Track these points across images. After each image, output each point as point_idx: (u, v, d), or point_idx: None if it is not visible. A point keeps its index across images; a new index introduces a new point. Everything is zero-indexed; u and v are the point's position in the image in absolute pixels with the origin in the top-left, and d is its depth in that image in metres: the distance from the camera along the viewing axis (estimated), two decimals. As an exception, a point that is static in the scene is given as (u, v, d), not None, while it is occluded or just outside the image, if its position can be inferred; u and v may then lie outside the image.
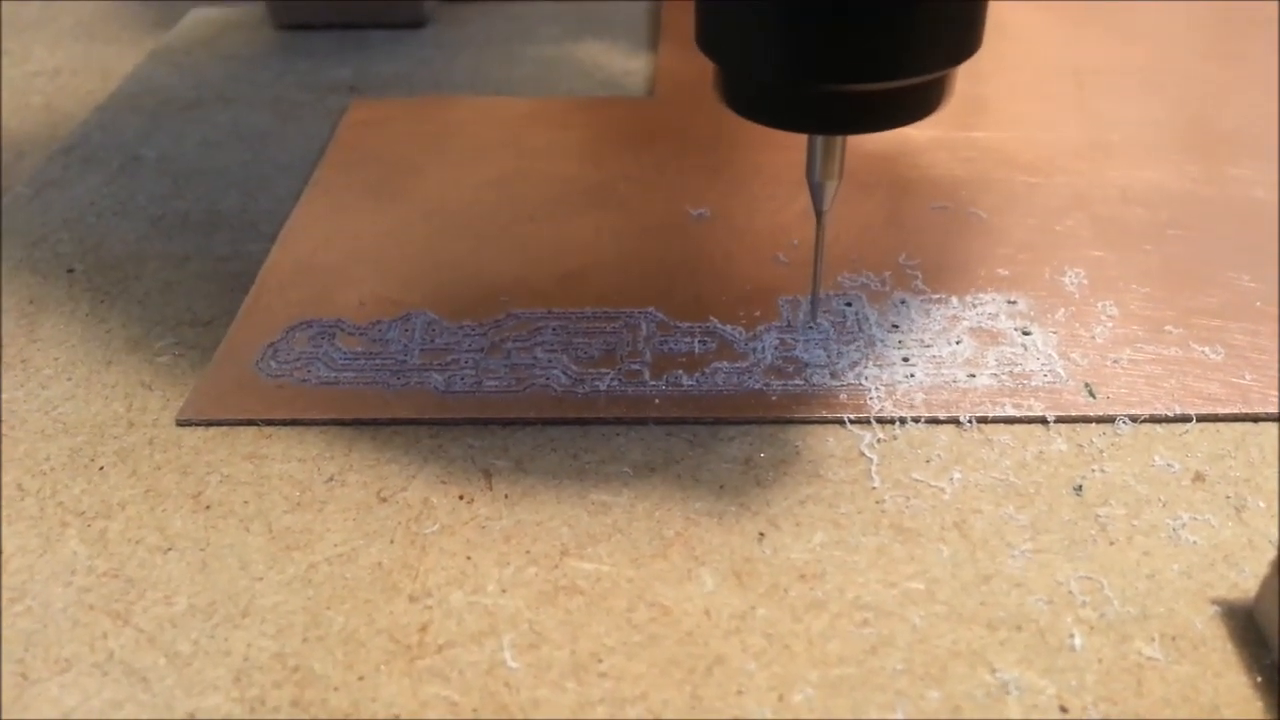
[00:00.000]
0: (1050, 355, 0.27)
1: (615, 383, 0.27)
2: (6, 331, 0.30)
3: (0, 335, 0.30)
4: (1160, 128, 0.38)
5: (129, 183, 0.37)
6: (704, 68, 0.24)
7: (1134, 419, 0.26)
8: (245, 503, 0.24)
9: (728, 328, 0.29)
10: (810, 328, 0.28)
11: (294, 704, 0.20)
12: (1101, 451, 0.25)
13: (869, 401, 0.26)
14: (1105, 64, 0.42)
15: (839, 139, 0.25)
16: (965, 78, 0.41)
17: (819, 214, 0.27)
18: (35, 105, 0.47)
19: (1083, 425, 0.26)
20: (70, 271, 0.32)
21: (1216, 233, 0.32)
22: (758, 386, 0.27)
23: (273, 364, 0.28)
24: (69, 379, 0.28)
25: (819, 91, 0.23)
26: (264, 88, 0.43)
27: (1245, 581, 0.22)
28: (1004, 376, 0.27)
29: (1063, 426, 0.26)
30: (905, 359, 0.27)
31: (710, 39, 0.23)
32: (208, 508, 0.24)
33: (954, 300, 0.29)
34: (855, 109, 0.23)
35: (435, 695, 0.20)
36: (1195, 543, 0.23)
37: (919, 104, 0.23)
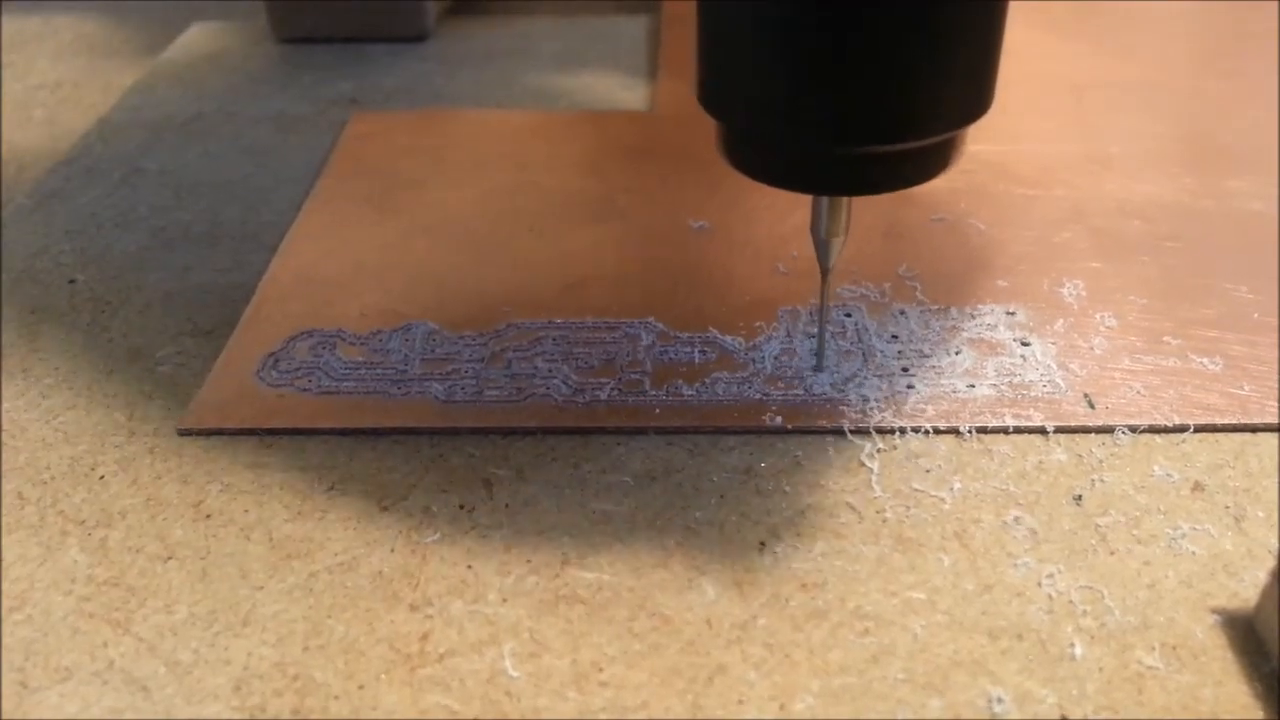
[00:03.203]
0: (1049, 366, 0.27)
1: (615, 392, 0.27)
2: (8, 341, 0.30)
3: (1, 345, 0.30)
4: (1158, 141, 0.38)
5: (130, 194, 0.37)
6: None
7: (1133, 429, 0.26)
8: (246, 511, 0.24)
9: (728, 338, 0.29)
10: (819, 371, 0.28)
11: (294, 713, 0.20)
12: (1101, 461, 0.25)
13: (869, 412, 0.26)
14: (1104, 79, 0.43)
15: (846, 199, 0.25)
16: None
17: (824, 271, 0.26)
18: (37, 119, 0.47)
19: (1082, 435, 0.26)
20: (72, 282, 0.32)
21: (1214, 245, 0.32)
22: (758, 396, 0.27)
23: (274, 374, 0.28)
24: (70, 388, 0.28)
25: (828, 154, 0.22)
26: (265, 101, 0.43)
27: (1245, 591, 0.22)
28: (1003, 387, 0.27)
29: (1062, 436, 0.26)
30: (905, 369, 0.27)
31: (713, 97, 0.23)
32: (208, 517, 0.24)
33: (953, 311, 0.29)
34: (865, 170, 0.23)
35: (436, 704, 0.20)
36: (1195, 552, 0.23)
37: (930, 164, 0.23)
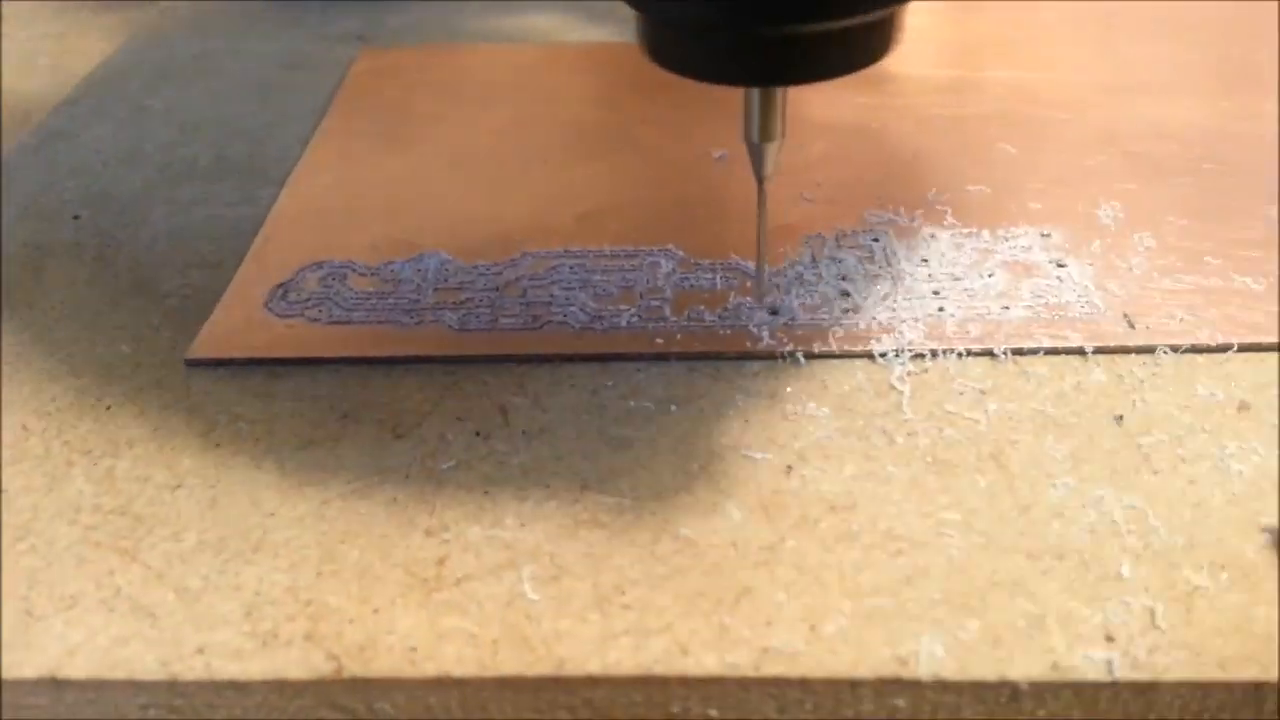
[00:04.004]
0: (1087, 286, 0.26)
1: (635, 319, 0.26)
2: (11, 276, 0.29)
3: (2, 281, 0.29)
4: (1191, 67, 0.37)
5: (136, 132, 0.36)
6: None
7: (1175, 349, 0.25)
8: (256, 440, 0.24)
9: (751, 264, 0.28)
10: (760, 303, 0.26)
11: (307, 637, 0.19)
12: (1142, 382, 0.24)
13: (899, 334, 0.25)
14: (1134, 5, 0.41)
15: (779, 93, 0.23)
16: (991, 20, 0.40)
17: (760, 180, 0.24)
18: (42, 66, 0.46)
19: (1122, 356, 0.25)
20: (76, 218, 0.32)
21: (1252, 166, 0.31)
22: (783, 321, 0.26)
23: (283, 304, 0.27)
24: (75, 321, 0.27)
25: (755, 37, 0.20)
26: (272, 39, 0.42)
27: (1297, 509, 0.21)
28: (1039, 308, 0.26)
29: (1101, 357, 0.25)
30: (935, 292, 0.26)
31: None
32: (217, 445, 0.24)
33: (985, 234, 0.28)
34: (795, 56, 0.20)
35: (454, 627, 0.19)
36: (1242, 471, 0.22)
37: (866, 48, 0.21)
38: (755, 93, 0.23)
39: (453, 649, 0.19)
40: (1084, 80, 0.36)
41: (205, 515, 0.22)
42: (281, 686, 0.19)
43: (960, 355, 0.25)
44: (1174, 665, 0.18)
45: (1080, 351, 0.25)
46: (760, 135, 0.23)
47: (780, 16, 0.20)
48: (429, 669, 0.19)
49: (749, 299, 0.26)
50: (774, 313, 0.26)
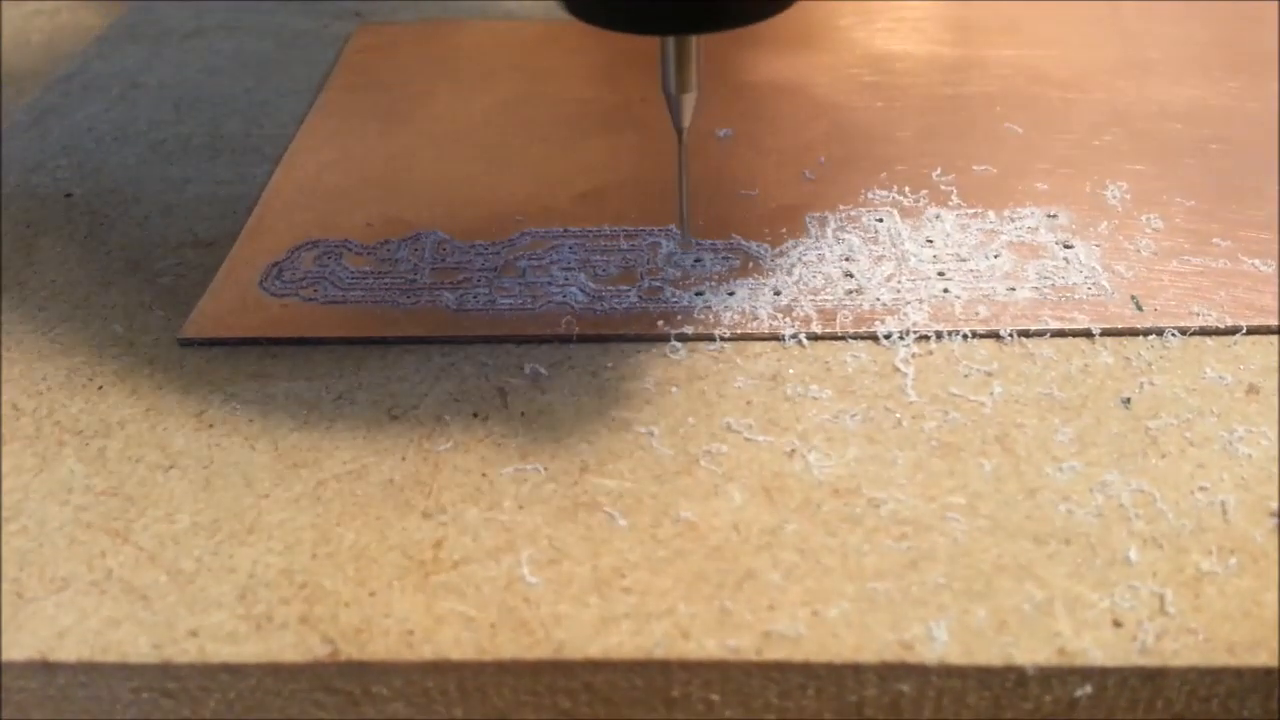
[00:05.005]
0: (1094, 268, 0.26)
1: (636, 299, 0.26)
2: (3, 254, 0.29)
3: (-5, 258, 0.28)
4: (1199, 46, 0.36)
5: (129, 109, 0.35)
6: None
7: (1183, 331, 0.24)
8: (250, 421, 0.23)
9: (753, 244, 0.27)
10: (680, 256, 0.26)
11: (302, 620, 0.19)
12: (1150, 364, 0.24)
13: (903, 316, 0.25)
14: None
15: (692, 42, 0.23)
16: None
17: (678, 130, 0.24)
18: (35, 43, 0.46)
19: (1129, 338, 0.24)
20: (68, 196, 0.31)
21: (1261, 147, 0.31)
22: (785, 303, 0.25)
23: (277, 283, 0.27)
24: (67, 300, 0.27)
25: None
26: (267, 15, 0.41)
27: (1307, 493, 0.21)
28: (1045, 290, 0.25)
29: (1108, 339, 0.24)
30: (940, 273, 0.26)
31: None
32: (211, 426, 0.23)
33: (991, 215, 0.28)
34: (706, 4, 0.21)
35: (451, 610, 0.19)
36: (1251, 455, 0.22)
37: None
38: (670, 42, 0.23)
39: (450, 632, 0.19)
40: (1091, 60, 0.35)
41: (198, 496, 0.22)
42: (276, 670, 0.19)
43: (965, 337, 0.24)
44: (1182, 651, 0.18)
45: (1087, 333, 0.24)
46: (677, 87, 0.23)
47: None
48: (426, 652, 0.19)
49: (751, 279, 0.26)
50: (777, 293, 0.26)
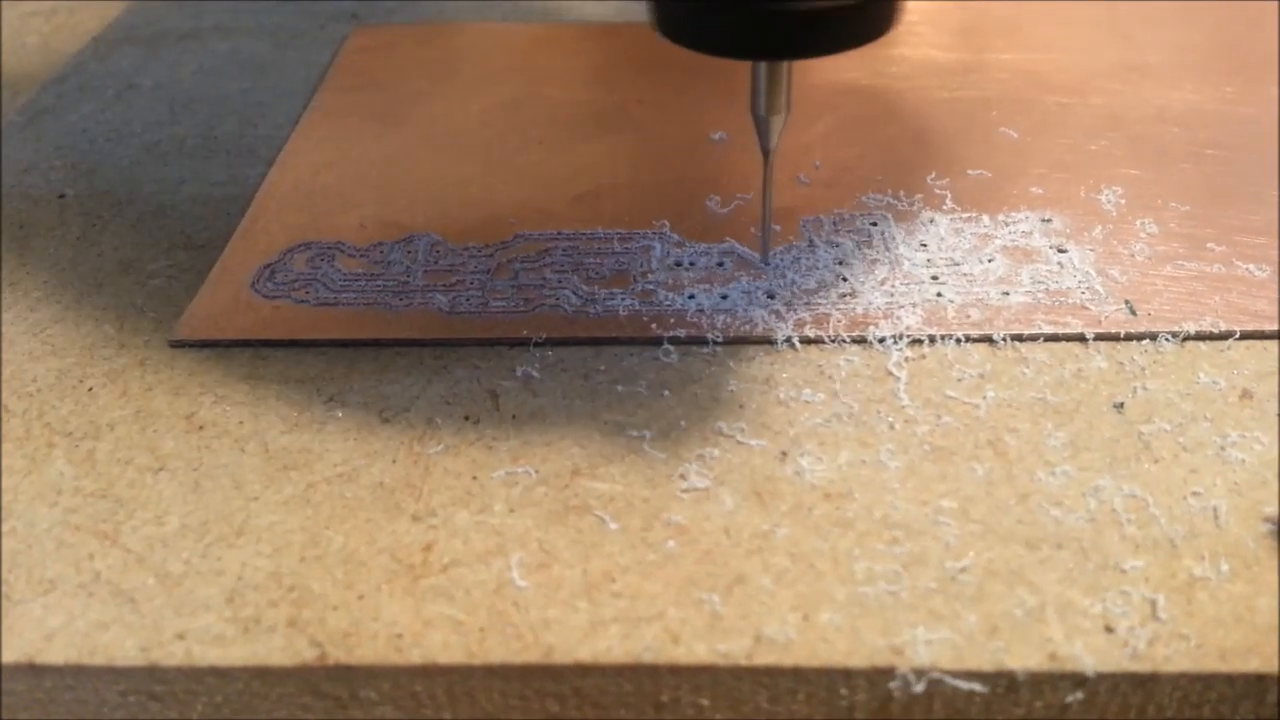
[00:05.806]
0: (1088, 272, 0.26)
1: (629, 302, 0.26)
2: (-6, 255, 0.29)
3: (-12, 259, 0.28)
4: (1196, 51, 0.36)
5: (124, 110, 0.35)
6: None
7: (1177, 336, 0.24)
8: (240, 423, 0.23)
9: (746, 248, 0.27)
10: (765, 264, 0.26)
11: (291, 623, 0.19)
12: (1143, 369, 0.24)
13: (896, 319, 0.25)
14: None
15: (785, 67, 0.23)
16: (995, 3, 0.40)
17: (765, 152, 0.25)
18: (31, 45, 0.45)
19: (1123, 343, 0.24)
20: (61, 197, 0.31)
21: (1257, 152, 0.30)
22: (778, 306, 0.25)
23: (269, 285, 0.27)
24: (58, 301, 0.27)
25: (764, 11, 0.21)
26: (263, 16, 0.41)
27: (1300, 499, 0.21)
28: (1039, 294, 0.25)
29: (1102, 344, 0.24)
30: (934, 277, 0.26)
31: None
32: (201, 428, 0.23)
33: (985, 219, 0.28)
34: (802, 30, 0.21)
35: (440, 614, 0.19)
36: (1244, 460, 0.22)
37: (871, 23, 0.21)
38: (763, 66, 0.23)
39: (439, 636, 0.19)
40: (1087, 64, 0.35)
41: (188, 499, 0.21)
42: (264, 673, 0.19)
43: (959, 341, 0.24)
44: (1174, 656, 0.18)
45: (1081, 338, 0.24)
46: (767, 109, 0.24)
47: None
48: (415, 656, 0.19)
49: (744, 282, 0.26)
50: (770, 296, 0.26)
